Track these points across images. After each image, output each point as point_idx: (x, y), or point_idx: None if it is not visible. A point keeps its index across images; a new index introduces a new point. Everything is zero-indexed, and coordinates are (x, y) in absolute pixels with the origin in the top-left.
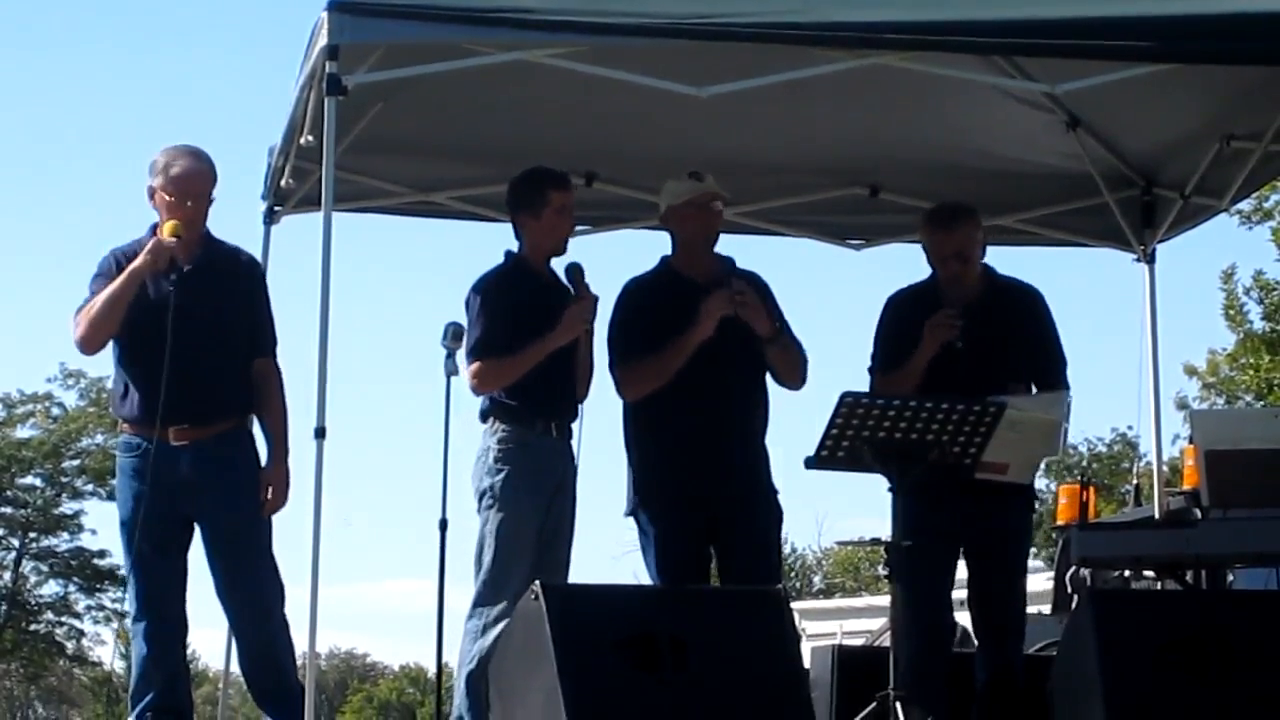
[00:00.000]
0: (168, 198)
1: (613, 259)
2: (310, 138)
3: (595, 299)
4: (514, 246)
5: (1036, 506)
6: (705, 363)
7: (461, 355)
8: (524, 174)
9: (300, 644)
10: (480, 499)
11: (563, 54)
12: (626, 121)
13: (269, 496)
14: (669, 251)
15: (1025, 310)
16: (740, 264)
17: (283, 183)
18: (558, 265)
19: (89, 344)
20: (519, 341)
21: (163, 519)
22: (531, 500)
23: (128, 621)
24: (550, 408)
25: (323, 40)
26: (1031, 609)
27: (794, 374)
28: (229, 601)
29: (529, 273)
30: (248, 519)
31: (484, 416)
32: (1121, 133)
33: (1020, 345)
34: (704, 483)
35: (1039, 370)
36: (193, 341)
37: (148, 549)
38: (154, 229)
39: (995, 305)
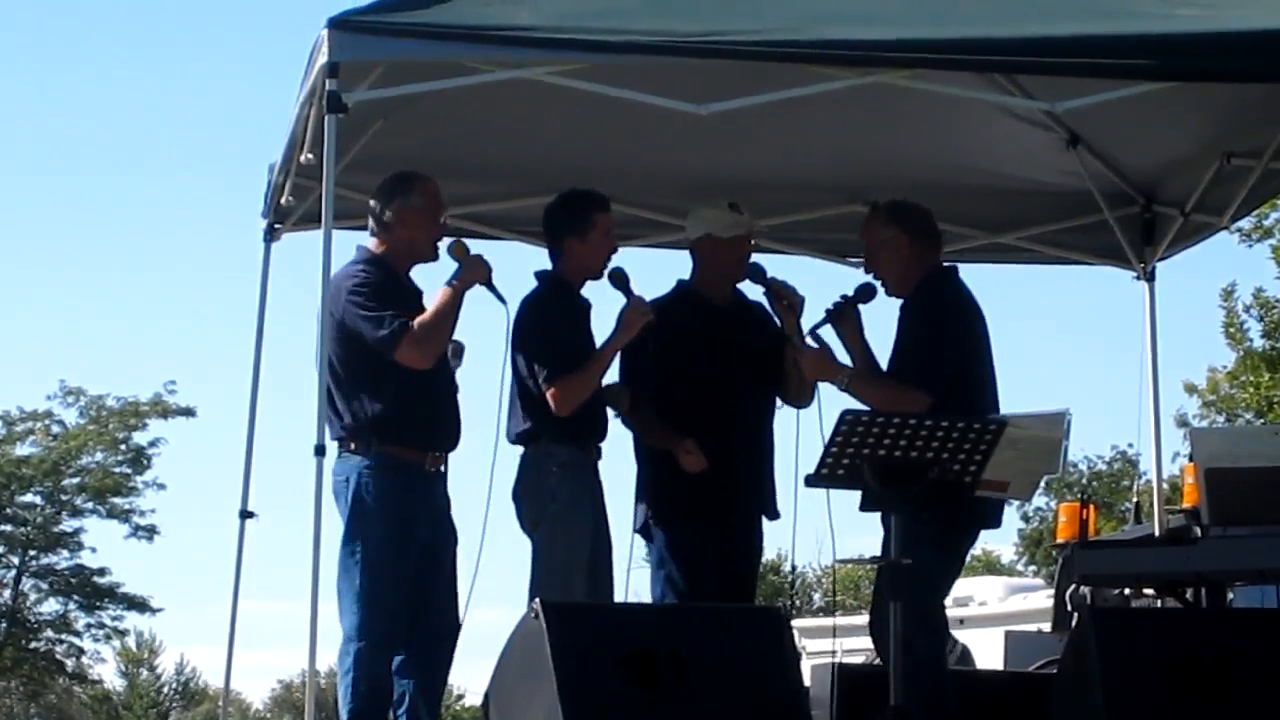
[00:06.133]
0: (425, 216)
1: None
2: (310, 155)
3: (642, 299)
4: (536, 268)
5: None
6: (719, 388)
7: (460, 373)
8: (565, 197)
9: (300, 662)
10: (537, 521)
11: (563, 72)
12: (627, 139)
13: None
14: (680, 267)
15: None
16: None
17: (283, 200)
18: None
19: (431, 360)
20: (583, 355)
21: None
22: (588, 522)
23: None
24: (595, 430)
25: (323, 58)
26: (1031, 626)
27: (805, 390)
28: (426, 625)
29: (571, 293)
30: (454, 550)
31: (528, 439)
32: (1121, 150)
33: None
34: (715, 500)
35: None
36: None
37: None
38: (366, 251)
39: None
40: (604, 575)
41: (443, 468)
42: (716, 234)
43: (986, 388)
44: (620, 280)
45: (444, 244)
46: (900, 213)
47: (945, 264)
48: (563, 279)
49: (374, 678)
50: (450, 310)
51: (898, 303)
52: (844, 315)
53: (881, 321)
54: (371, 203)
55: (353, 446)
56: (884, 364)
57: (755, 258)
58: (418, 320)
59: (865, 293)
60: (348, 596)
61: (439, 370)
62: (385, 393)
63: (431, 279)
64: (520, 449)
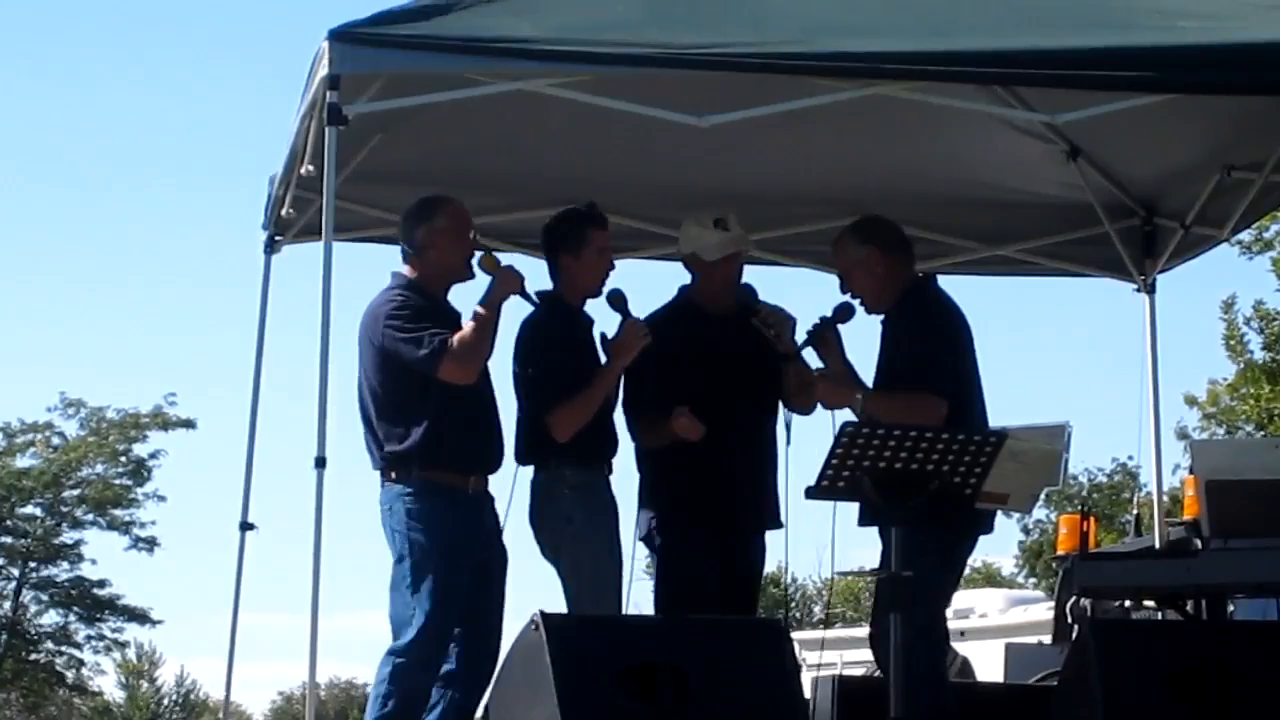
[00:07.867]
0: (453, 236)
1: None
2: (311, 167)
3: (639, 321)
4: (537, 286)
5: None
6: (718, 397)
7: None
8: (563, 214)
9: (301, 673)
10: (557, 548)
11: (563, 84)
12: (627, 151)
13: None
14: (681, 280)
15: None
16: None
17: (283, 212)
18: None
19: (474, 374)
20: (583, 379)
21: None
22: (604, 542)
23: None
24: (604, 449)
25: (323, 70)
26: (1031, 638)
27: (807, 395)
28: (472, 642)
29: (569, 311)
30: (504, 571)
31: (537, 460)
32: (1122, 163)
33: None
34: (719, 511)
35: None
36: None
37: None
38: (401, 277)
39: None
40: (617, 593)
41: (486, 488)
42: (702, 256)
43: (975, 393)
44: (618, 302)
45: (475, 259)
46: (871, 229)
47: (921, 273)
48: (561, 298)
49: (407, 694)
50: (489, 323)
51: (877, 320)
52: (824, 338)
53: (862, 339)
54: (401, 230)
55: (393, 475)
56: (868, 381)
57: (753, 271)
58: (457, 335)
59: (844, 313)
60: (400, 616)
61: (480, 391)
62: (426, 419)
63: (469, 297)
64: (530, 470)
